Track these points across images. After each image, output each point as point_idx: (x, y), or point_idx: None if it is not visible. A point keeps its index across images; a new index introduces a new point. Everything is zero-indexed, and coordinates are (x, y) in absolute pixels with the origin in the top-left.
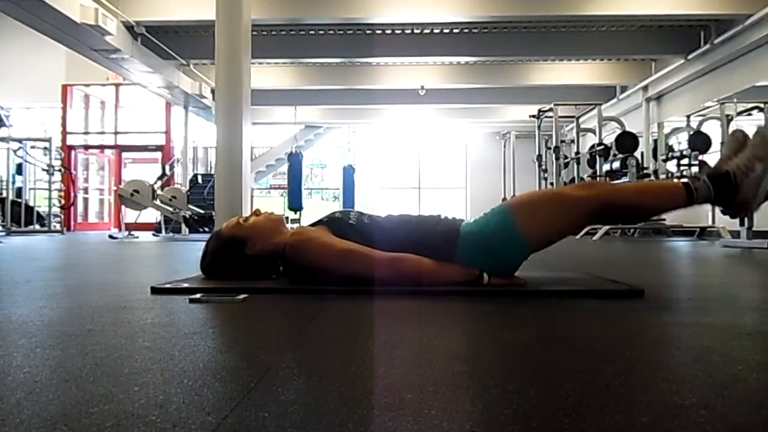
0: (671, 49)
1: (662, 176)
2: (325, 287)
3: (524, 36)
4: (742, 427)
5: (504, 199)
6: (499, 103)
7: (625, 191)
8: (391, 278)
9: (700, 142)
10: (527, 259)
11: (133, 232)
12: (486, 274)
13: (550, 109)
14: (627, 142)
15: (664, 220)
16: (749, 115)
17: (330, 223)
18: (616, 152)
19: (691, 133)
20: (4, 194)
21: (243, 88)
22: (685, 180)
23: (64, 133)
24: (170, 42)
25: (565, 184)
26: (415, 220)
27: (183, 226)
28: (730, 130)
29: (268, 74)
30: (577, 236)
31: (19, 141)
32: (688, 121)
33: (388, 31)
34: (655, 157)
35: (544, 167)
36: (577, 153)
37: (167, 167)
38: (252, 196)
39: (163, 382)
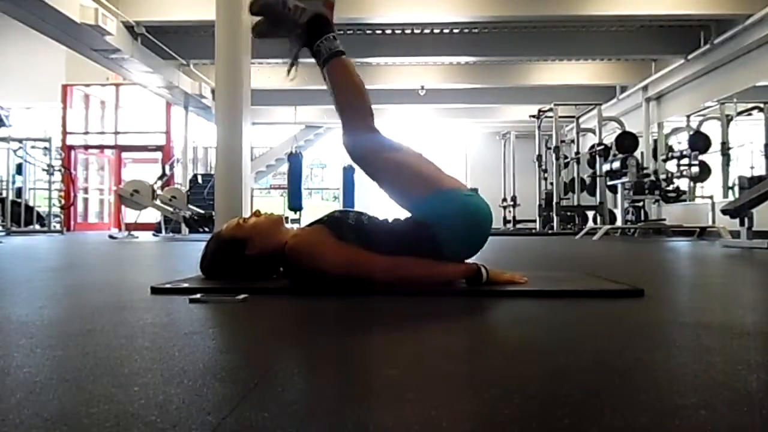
0: (671, 49)
1: (662, 176)
2: (325, 287)
3: (524, 36)
4: (742, 427)
5: (504, 199)
6: (499, 103)
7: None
8: (392, 283)
9: (699, 142)
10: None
11: (133, 232)
12: (484, 268)
13: (550, 109)
14: (627, 142)
15: (665, 219)
16: (749, 115)
17: (329, 222)
18: (616, 152)
19: (691, 133)
20: (4, 194)
21: (243, 88)
22: None
23: (64, 133)
24: (170, 42)
25: (565, 184)
26: (411, 222)
27: (183, 226)
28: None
29: (268, 74)
30: (577, 236)
31: (19, 141)
32: (688, 121)
33: (388, 31)
34: (655, 157)
35: (544, 167)
36: (577, 153)
37: (167, 167)
38: (252, 196)
39: (163, 382)
